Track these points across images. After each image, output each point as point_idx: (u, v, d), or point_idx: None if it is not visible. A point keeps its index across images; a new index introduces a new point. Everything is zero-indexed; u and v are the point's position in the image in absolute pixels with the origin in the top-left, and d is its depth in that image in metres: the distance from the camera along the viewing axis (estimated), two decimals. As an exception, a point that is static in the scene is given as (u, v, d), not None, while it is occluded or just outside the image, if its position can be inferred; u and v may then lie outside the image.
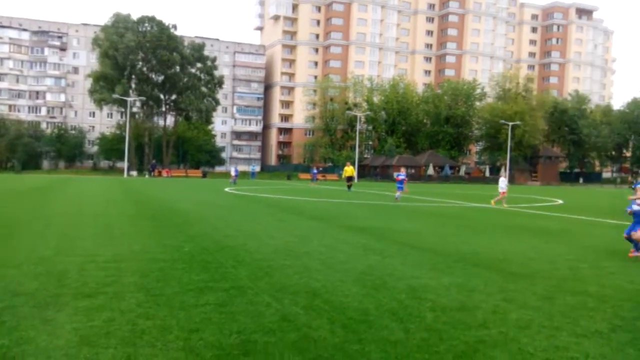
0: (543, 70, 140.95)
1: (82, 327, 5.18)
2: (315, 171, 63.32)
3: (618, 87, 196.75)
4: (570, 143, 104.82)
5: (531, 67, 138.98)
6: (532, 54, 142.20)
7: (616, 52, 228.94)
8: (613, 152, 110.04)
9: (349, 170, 39.62)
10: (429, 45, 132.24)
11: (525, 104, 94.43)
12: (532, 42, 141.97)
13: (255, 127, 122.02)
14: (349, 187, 38.56)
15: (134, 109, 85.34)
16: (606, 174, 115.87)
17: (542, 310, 6.27)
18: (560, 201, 32.98)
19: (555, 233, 14.68)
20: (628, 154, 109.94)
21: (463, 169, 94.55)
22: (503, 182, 26.05)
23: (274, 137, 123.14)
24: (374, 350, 4.76)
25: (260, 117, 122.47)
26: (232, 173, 54.02)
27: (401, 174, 28.66)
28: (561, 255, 10.52)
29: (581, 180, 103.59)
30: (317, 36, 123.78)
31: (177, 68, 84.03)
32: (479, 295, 6.93)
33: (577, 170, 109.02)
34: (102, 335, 4.96)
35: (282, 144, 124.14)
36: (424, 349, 4.82)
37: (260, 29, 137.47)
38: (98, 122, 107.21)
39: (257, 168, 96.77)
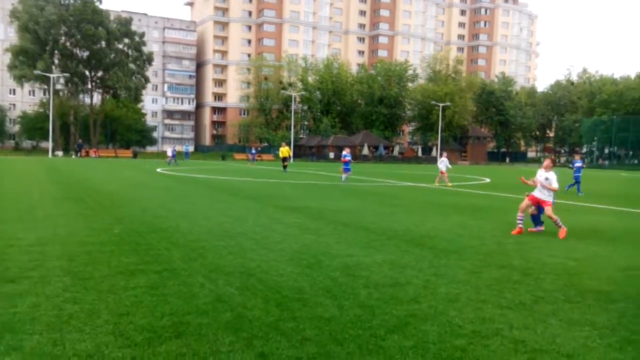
0: (472, 52, 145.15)
1: (4, 314, 4.94)
2: (254, 151, 62.67)
3: (542, 69, 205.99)
4: (498, 124, 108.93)
5: (460, 49, 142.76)
6: (461, 37, 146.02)
7: (540, 36, 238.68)
8: (537, 133, 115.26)
9: (285, 150, 39.14)
10: (362, 26, 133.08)
11: (454, 85, 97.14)
12: (461, 24, 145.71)
13: (188, 106, 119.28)
14: (285, 167, 38.19)
15: (58, 86, 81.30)
16: (531, 154, 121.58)
17: (469, 284, 6.52)
18: (488, 180, 34.30)
19: (482, 210, 15.26)
20: (551, 134, 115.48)
21: (397, 149, 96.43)
22: (442, 162, 26.76)
23: (207, 117, 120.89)
24: (308, 327, 4.80)
25: (192, 96, 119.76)
26: (169, 153, 52.61)
27: (347, 155, 27.81)
28: (488, 232, 10.97)
29: (507, 159, 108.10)
30: (250, 13, 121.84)
31: (103, 43, 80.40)
32: (411, 271, 7.12)
33: (503, 150, 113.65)
34: (27, 322, 4.74)
35: (216, 124, 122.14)
36: (357, 325, 4.90)
37: (191, 4, 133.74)
38: (19, 99, 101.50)
39: (191, 148, 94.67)
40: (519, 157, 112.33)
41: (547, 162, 11.10)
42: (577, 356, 4.31)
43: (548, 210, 10.66)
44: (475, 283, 6.59)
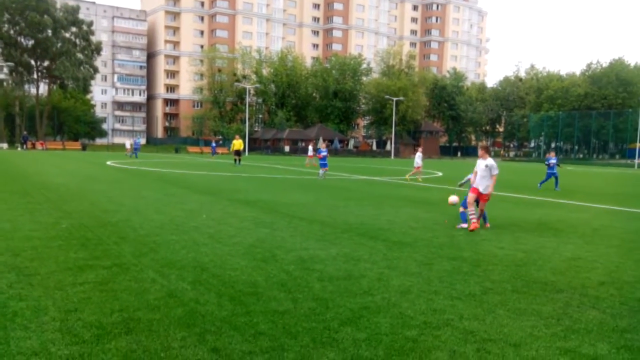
0: (424, 47, 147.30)
1: (-59, 314, 4.72)
2: (214, 144, 61.39)
3: (491, 66, 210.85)
4: (449, 118, 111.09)
5: (413, 44, 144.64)
6: (413, 32, 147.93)
7: (490, 33, 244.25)
8: (487, 127, 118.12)
9: (237, 143, 38.23)
10: (316, 19, 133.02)
11: (407, 80, 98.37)
12: (414, 19, 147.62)
13: (139, 98, 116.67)
14: (237, 161, 37.32)
15: (1, 76, 78.02)
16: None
17: (421, 276, 6.63)
18: (440, 173, 34.95)
19: (435, 203, 15.55)
20: (501, 129, 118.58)
21: (352, 143, 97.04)
22: (419, 157, 26.23)
23: (159, 109, 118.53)
24: (262, 322, 4.78)
25: (143, 87, 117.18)
26: (127, 145, 51.41)
27: (323, 150, 26.68)
28: (440, 224, 11.18)
29: (459, 153, 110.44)
30: (202, 4, 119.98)
31: (49, 32, 77.47)
32: (365, 264, 7.19)
33: (455, 144, 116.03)
34: (-34, 321, 4.55)
35: (168, 116, 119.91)
36: (311, 318, 4.92)
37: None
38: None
39: (142, 141, 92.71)
40: (470, 151, 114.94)
41: (481, 151, 11.25)
42: (524, 345, 4.45)
43: (482, 204, 10.84)
44: (427, 275, 6.71)
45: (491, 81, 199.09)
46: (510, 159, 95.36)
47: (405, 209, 13.74)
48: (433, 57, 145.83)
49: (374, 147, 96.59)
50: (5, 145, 71.89)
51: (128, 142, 53.33)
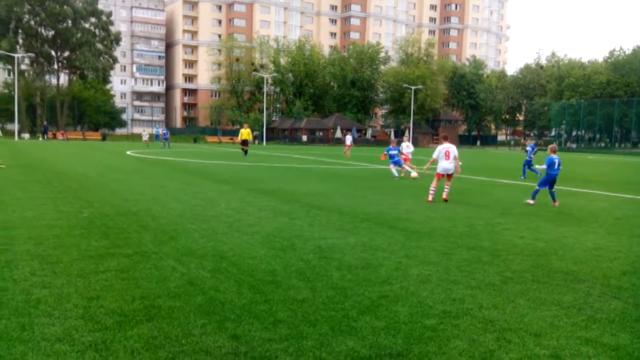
0: (443, 35, 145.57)
1: (-32, 300, 4.83)
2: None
3: (511, 53, 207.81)
4: (469, 107, 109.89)
5: (432, 32, 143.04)
6: (432, 19, 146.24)
7: (510, 19, 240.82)
8: (507, 116, 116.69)
9: (245, 132, 35.35)
10: (334, 7, 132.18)
11: (426, 68, 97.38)
12: (433, 7, 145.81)
13: (158, 88, 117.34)
14: (245, 151, 34.72)
15: (23, 67, 78.94)
16: (501, 137, 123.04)
17: (440, 265, 6.61)
18: (460, 163, 34.58)
19: (454, 192, 15.41)
20: (521, 118, 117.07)
21: (370, 132, 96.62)
22: (408, 147, 22.97)
23: (178, 99, 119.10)
24: (280, 310, 4.81)
25: (162, 77, 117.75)
26: (145, 137, 52.16)
27: (393, 149, 21.06)
28: (459, 214, 11.12)
29: (478, 143, 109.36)
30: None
31: (69, 22, 78.10)
32: (383, 253, 7.18)
33: (474, 133, 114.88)
34: (-7, 307, 4.66)
35: (187, 106, 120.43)
36: (329, 306, 4.94)
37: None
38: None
39: (161, 130, 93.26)
40: (490, 140, 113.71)
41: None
42: (544, 335, 4.41)
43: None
44: (446, 264, 6.69)
45: (511, 69, 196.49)
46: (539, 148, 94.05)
47: (423, 199, 13.67)
48: (452, 45, 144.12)
49: (392, 137, 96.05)
50: (27, 136, 72.93)
51: (146, 133, 53.83)
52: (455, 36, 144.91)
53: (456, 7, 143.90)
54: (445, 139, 14.07)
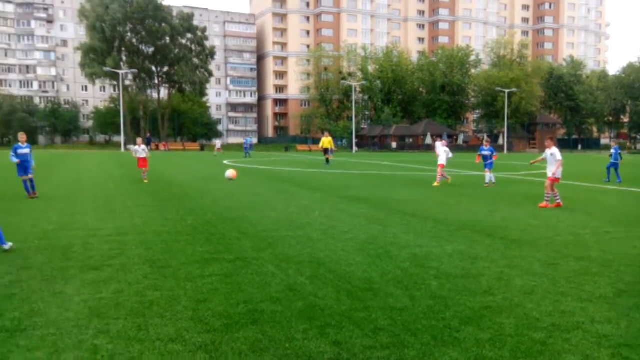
0: (537, 36, 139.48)
1: (90, 299, 5.22)
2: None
3: (613, 52, 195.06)
4: (567, 109, 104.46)
5: (525, 33, 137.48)
6: (525, 20, 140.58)
7: (610, 17, 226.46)
8: (610, 118, 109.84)
9: (326, 141, 33.76)
10: (421, 12, 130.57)
11: (520, 70, 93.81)
12: (525, 7, 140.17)
13: (250, 99, 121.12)
14: (327, 160, 33.50)
15: (127, 82, 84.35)
16: (605, 140, 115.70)
17: (546, 276, 6.32)
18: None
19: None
20: (626, 120, 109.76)
21: (461, 138, 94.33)
22: (447, 152, 20.30)
23: (269, 109, 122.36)
24: (380, 317, 4.80)
25: (254, 89, 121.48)
26: (218, 145, 54.11)
27: (487, 149, 19.69)
28: (563, 222, 10.58)
29: (579, 146, 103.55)
30: (308, 4, 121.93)
31: (167, 39, 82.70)
32: (482, 263, 6.98)
33: (575, 137, 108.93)
34: (112, 307, 5.00)
35: (278, 116, 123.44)
36: (430, 316, 4.87)
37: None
38: (91, 95, 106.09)
39: (254, 140, 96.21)
40: (592, 144, 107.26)
41: (548, 141, 13.78)
42: (666, 352, 4.10)
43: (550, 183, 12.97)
44: (552, 275, 6.38)
45: (613, 69, 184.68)
46: (638, 152, 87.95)
47: (523, 206, 13.15)
48: (547, 46, 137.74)
49: (486, 137, 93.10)
50: (131, 147, 77.75)
51: (218, 142, 55.80)
52: (551, 36, 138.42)
53: (550, 6, 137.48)
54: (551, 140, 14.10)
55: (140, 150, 19.03)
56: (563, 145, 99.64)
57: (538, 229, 9.73)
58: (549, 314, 4.95)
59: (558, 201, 12.96)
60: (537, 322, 4.73)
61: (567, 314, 4.97)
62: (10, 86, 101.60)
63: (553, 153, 13.27)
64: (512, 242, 8.38)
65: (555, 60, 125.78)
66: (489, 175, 19.15)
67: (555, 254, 7.54)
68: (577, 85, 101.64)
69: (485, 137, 23.44)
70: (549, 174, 13.24)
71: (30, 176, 13.91)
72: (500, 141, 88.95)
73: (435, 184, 18.93)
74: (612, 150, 22.38)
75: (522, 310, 5.05)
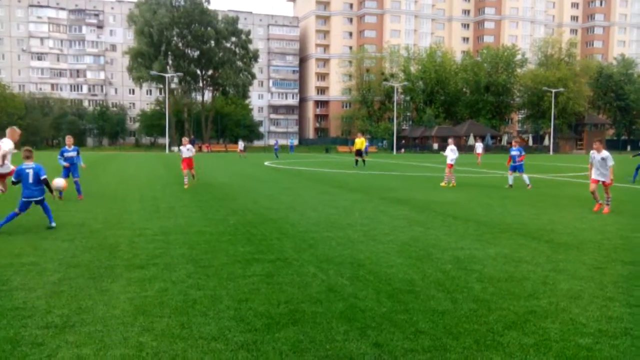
0: (586, 34, 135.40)
1: (136, 297, 5.36)
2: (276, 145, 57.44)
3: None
4: (617, 109, 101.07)
5: (574, 31, 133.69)
6: (574, 18, 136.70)
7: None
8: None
9: (359, 142, 32.97)
10: (466, 12, 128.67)
11: (568, 69, 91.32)
12: (574, 5, 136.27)
13: (292, 101, 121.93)
14: (357, 162, 32.73)
15: (172, 85, 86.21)
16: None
17: (593, 281, 6.14)
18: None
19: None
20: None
21: (505, 138, 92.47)
22: (454, 151, 19.71)
23: (310, 110, 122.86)
24: (421, 320, 4.76)
25: (296, 90, 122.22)
26: (240, 146, 52.18)
27: (515, 149, 18.93)
28: (611, 225, 10.26)
29: (629, 147, 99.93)
30: (351, 6, 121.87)
31: (212, 43, 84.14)
32: (527, 266, 6.83)
33: (624, 137, 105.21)
34: (156, 305, 5.12)
35: (319, 117, 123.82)
36: (472, 320, 4.80)
37: (293, 0, 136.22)
38: (138, 98, 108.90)
39: (295, 142, 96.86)
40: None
41: (597, 144, 12.87)
42: None
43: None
44: (600, 279, 6.20)
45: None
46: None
47: (569, 209, 12.81)
48: (597, 44, 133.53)
49: (530, 143, 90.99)
50: (176, 149, 79.32)
51: (241, 143, 54.21)
52: (601, 34, 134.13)
53: (601, 4, 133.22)
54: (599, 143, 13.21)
55: (184, 150, 18.33)
56: (611, 146, 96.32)
57: (585, 232, 9.46)
58: (596, 319, 4.81)
59: (600, 202, 12.52)
60: (583, 328, 4.60)
61: (614, 319, 4.82)
62: (61, 90, 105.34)
63: (605, 157, 12.43)
64: (558, 246, 8.17)
65: (605, 59, 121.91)
66: (526, 177, 18.73)
67: (603, 258, 7.31)
68: (627, 85, 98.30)
69: (515, 137, 22.36)
70: (601, 178, 12.40)
71: (76, 179, 14.25)
72: (546, 142, 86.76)
73: (442, 184, 19.36)
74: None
75: (567, 315, 4.92)
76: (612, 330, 4.55)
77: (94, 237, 8.53)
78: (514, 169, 18.84)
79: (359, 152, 33.25)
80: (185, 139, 19.27)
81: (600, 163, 12.48)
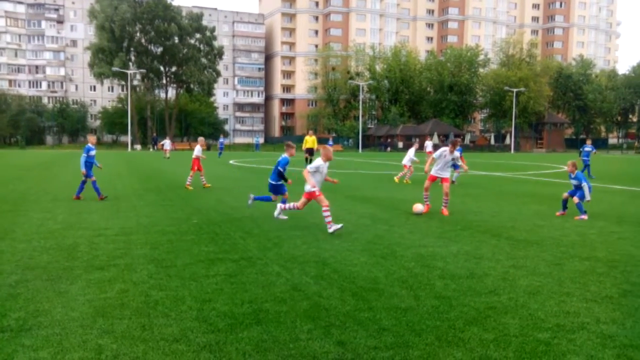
0: (547, 35, 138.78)
1: (95, 299, 5.24)
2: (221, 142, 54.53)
3: (623, 51, 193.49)
4: (576, 109, 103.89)
5: (535, 32, 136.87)
6: (535, 19, 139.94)
7: (621, 16, 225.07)
8: (619, 118, 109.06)
9: (310, 140, 31.11)
10: (430, 11, 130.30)
11: (529, 69, 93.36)
12: (535, 6, 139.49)
13: (257, 99, 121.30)
14: (307, 160, 29.84)
15: (135, 82, 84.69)
16: (612, 140, 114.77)
17: (551, 277, 6.29)
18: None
19: (561, 200, 14.64)
20: (634, 119, 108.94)
21: (468, 137, 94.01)
22: (412, 152, 20.63)
23: (276, 108, 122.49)
24: (385, 317, 4.80)
25: (261, 88, 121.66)
26: (166, 146, 46.78)
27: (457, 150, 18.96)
28: (569, 222, 10.53)
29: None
30: (317, 4, 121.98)
31: (176, 39, 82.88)
32: (488, 263, 6.95)
33: (582, 136, 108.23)
34: (116, 307, 5.02)
35: (285, 115, 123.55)
36: (434, 316, 4.85)
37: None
38: (99, 95, 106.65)
39: (261, 140, 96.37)
40: (600, 143, 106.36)
41: (450, 147, 12.08)
42: (672, 353, 4.07)
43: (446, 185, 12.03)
44: (558, 275, 6.36)
45: (623, 68, 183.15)
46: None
47: (529, 206, 13.10)
48: (557, 45, 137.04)
49: (492, 142, 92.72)
50: (138, 147, 78.08)
51: (167, 142, 48.72)
52: (560, 35, 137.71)
53: (561, 5, 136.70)
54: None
55: (195, 150, 17.53)
56: (570, 144, 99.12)
57: (544, 229, 9.69)
58: (554, 314, 4.92)
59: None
60: (541, 323, 4.71)
61: (572, 314, 4.95)
62: (19, 86, 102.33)
63: (455, 158, 12.10)
64: (518, 242, 8.35)
65: (565, 59, 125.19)
66: (455, 175, 19.33)
67: (561, 254, 7.51)
68: (586, 85, 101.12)
69: (451, 138, 23.85)
70: (442, 175, 12.10)
71: (93, 178, 13.79)
72: (508, 141, 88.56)
73: (396, 179, 20.22)
74: (588, 149, 24.73)
75: (526, 311, 5.02)
76: (569, 324, 4.67)
77: (53, 238, 8.31)
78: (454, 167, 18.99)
79: (309, 151, 31.64)
80: (200, 139, 18.44)
81: (449, 162, 12.04)
